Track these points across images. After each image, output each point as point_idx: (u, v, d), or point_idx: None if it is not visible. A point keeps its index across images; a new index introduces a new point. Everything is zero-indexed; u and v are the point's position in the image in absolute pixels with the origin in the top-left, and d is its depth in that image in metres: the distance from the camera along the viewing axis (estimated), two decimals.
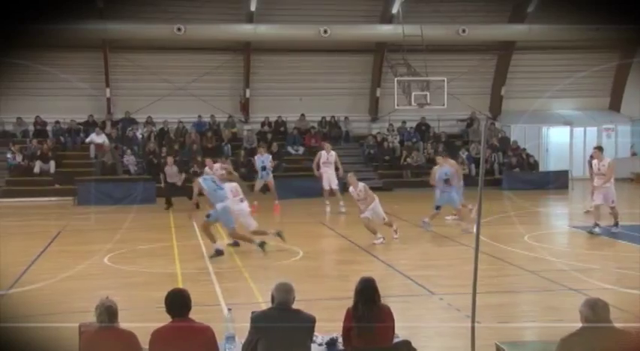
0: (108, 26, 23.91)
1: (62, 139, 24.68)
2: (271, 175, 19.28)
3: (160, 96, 25.59)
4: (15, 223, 17.12)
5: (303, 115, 26.73)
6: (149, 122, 25.51)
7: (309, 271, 11.11)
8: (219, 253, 12.01)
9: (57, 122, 24.99)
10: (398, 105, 23.76)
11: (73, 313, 8.58)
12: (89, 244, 14.09)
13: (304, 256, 12.18)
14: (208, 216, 12.27)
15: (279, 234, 12.65)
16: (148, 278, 10.73)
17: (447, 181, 14.71)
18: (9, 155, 23.01)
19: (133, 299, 9.05)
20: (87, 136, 24.40)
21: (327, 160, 18.68)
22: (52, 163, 23.12)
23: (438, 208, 14.85)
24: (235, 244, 12.85)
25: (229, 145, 25.05)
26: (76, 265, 11.80)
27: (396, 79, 23.70)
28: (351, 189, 13.62)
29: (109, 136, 24.32)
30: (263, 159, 19.24)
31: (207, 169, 16.60)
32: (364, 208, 13.26)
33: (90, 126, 24.92)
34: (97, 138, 24.03)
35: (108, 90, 25.42)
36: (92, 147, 23.98)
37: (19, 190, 21.86)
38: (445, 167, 15.10)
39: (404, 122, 27.11)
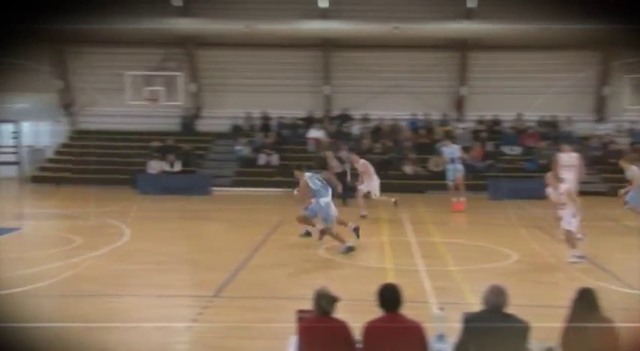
0: (330, 26, 24.93)
1: (284, 133, 26.16)
2: (462, 168, 18.80)
3: (375, 93, 26.16)
4: (242, 211, 18.47)
5: (519, 113, 25.80)
6: (365, 119, 26.18)
7: (521, 275, 10.75)
8: (308, 234, 12.90)
9: (280, 117, 26.54)
10: (629, 105, 22.01)
11: (289, 299, 9.14)
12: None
13: (517, 260, 11.80)
14: (307, 209, 12.60)
15: (355, 229, 12.81)
16: (359, 271, 11.07)
17: None
18: (238, 147, 24.91)
19: (344, 291, 9.37)
20: (307, 130, 25.62)
21: (569, 162, 16.25)
22: (275, 156, 24.62)
23: None
24: (307, 234, 13.03)
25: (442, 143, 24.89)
26: (293, 255, 12.53)
27: (627, 77, 21.99)
28: (550, 190, 11.93)
29: (326, 131, 25.33)
30: (452, 151, 18.84)
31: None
32: (567, 213, 11.47)
33: (309, 121, 26.14)
34: (316, 133, 25.15)
35: (327, 87, 26.53)
36: (311, 141, 25.14)
37: (246, 181, 23.64)
38: None
39: (633, 122, 25.08)
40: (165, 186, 22.27)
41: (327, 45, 26.05)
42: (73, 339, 7.53)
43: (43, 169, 25.43)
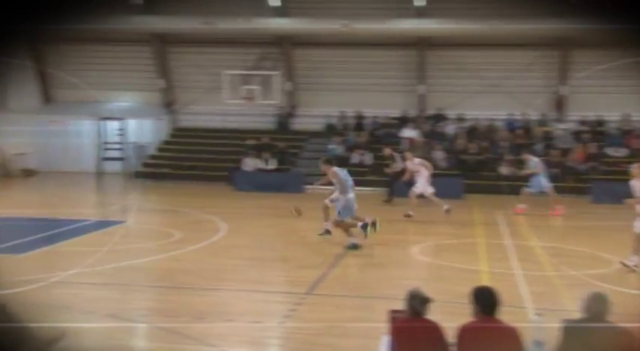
0: (425, 25, 24.67)
1: (378, 132, 26.09)
2: (547, 182, 17.96)
3: (471, 92, 25.67)
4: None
5: (626, 113, 24.66)
6: (460, 118, 25.76)
7: (622, 283, 10.28)
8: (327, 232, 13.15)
9: (374, 116, 26.50)
10: None
11: (381, 298, 9.12)
12: (399, 234, 14.73)
13: (619, 267, 11.30)
14: (333, 200, 13.18)
15: (373, 224, 12.87)
16: (453, 272, 10.91)
17: None
18: (331, 146, 25.05)
19: (436, 291, 9.25)
20: (401, 130, 25.45)
21: None
22: (368, 155, 24.60)
23: None
24: (327, 233, 13.23)
25: (541, 144, 24.15)
26: (385, 254, 12.50)
27: None
28: (635, 183, 11.30)
29: (420, 131, 25.09)
30: (535, 163, 18.07)
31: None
32: None
33: (403, 121, 25.96)
34: (410, 133, 24.95)
35: (422, 86, 26.28)
36: (405, 141, 24.95)
37: None
38: None
39: None
40: (259, 183, 22.70)
41: (422, 44, 25.78)
42: (172, 330, 7.81)
43: (145, 165, 26.46)
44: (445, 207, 16.45)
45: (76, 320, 8.08)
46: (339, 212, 12.86)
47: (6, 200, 20.66)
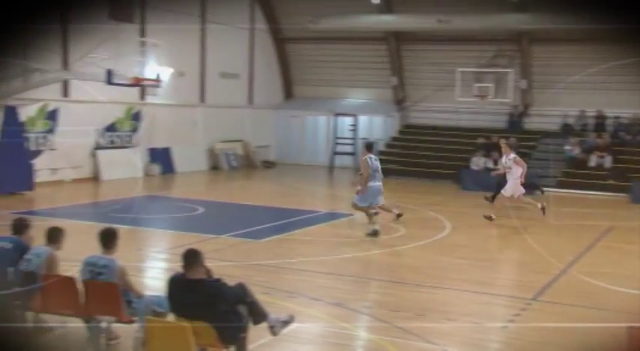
0: None
1: (621, 134, 24.18)
2: None
3: None
4: (568, 214, 17.55)
5: None
6: None
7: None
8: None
9: (616, 117, 24.60)
10: None
11: (609, 311, 8.46)
12: (636, 244, 13.54)
13: None
14: (358, 192, 13.58)
15: (399, 215, 14.11)
16: None
17: None
18: (567, 147, 23.73)
19: None
20: None
21: None
22: (609, 158, 22.91)
23: None
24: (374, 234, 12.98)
25: None
26: (620, 263, 11.57)
27: None
28: None
29: None
30: None
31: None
32: None
33: None
34: None
35: None
36: None
37: (573, 182, 22.40)
38: None
39: None
40: (487, 183, 22.05)
41: None
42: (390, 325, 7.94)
43: None
44: (539, 205, 15.44)
45: (303, 305, 8.54)
46: (362, 199, 13.51)
47: (249, 190, 22.50)
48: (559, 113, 25.37)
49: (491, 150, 23.52)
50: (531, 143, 25.02)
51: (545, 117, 25.75)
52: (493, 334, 7.91)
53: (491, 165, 22.97)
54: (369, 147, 14.03)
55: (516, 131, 25.73)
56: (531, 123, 26.38)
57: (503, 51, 25.91)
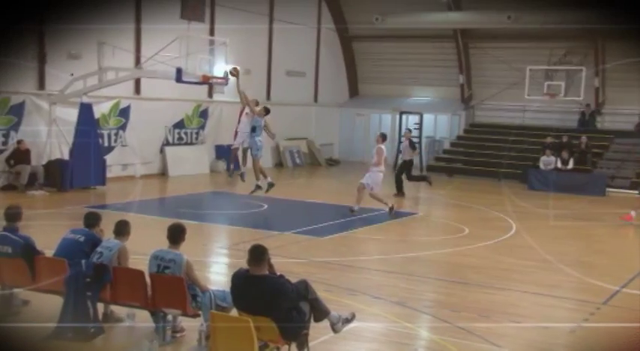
0: None
1: None
2: None
3: None
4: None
5: None
6: None
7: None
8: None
9: None
10: None
11: None
12: None
13: None
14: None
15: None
16: None
17: None
18: None
19: None
20: None
21: None
22: None
23: None
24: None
25: None
26: None
27: None
28: None
29: None
30: None
31: None
32: None
33: None
34: None
35: None
36: None
37: None
38: None
39: None
40: (555, 183, 21.62)
41: None
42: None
43: (438, 159, 26.84)
44: None
45: (364, 303, 8.55)
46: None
47: (312, 187, 22.62)
48: (634, 112, 24.53)
49: (561, 149, 22.96)
50: (603, 143, 24.29)
51: (619, 116, 24.96)
52: (559, 338, 7.73)
53: (560, 165, 22.44)
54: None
55: (588, 130, 25.03)
56: (604, 122, 25.63)
57: (576, 48, 25.22)
